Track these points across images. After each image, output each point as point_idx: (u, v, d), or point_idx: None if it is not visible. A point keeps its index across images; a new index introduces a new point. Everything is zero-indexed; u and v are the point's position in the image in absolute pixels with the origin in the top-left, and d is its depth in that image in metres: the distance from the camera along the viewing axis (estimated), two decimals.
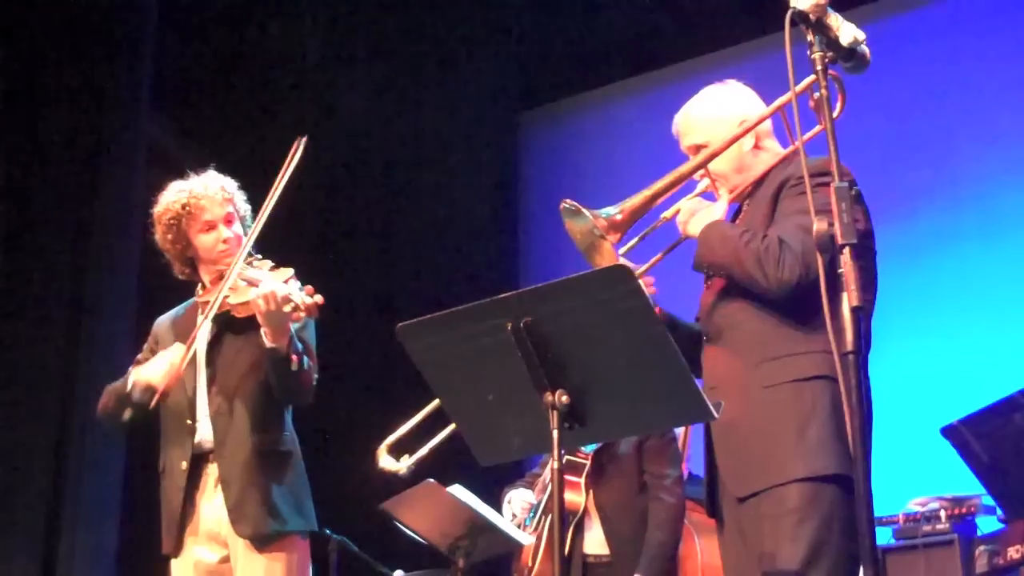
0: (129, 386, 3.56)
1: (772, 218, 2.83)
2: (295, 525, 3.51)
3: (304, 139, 3.56)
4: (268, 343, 3.39)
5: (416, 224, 7.67)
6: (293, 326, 3.46)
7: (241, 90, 7.12)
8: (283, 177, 3.55)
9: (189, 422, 3.56)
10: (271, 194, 3.55)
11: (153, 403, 3.51)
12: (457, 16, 7.63)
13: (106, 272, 6.13)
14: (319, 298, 3.36)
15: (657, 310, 2.96)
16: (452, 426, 2.88)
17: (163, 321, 3.82)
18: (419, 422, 2.98)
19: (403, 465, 2.95)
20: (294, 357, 3.42)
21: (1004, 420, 4.58)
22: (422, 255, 7.62)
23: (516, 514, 4.66)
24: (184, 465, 3.54)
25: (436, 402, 2.91)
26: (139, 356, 3.79)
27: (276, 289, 3.32)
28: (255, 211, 3.67)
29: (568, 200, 2.81)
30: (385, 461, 2.97)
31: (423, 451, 2.95)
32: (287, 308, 3.31)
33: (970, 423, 4.68)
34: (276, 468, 3.53)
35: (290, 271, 3.50)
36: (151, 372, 3.53)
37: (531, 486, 4.77)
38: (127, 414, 3.59)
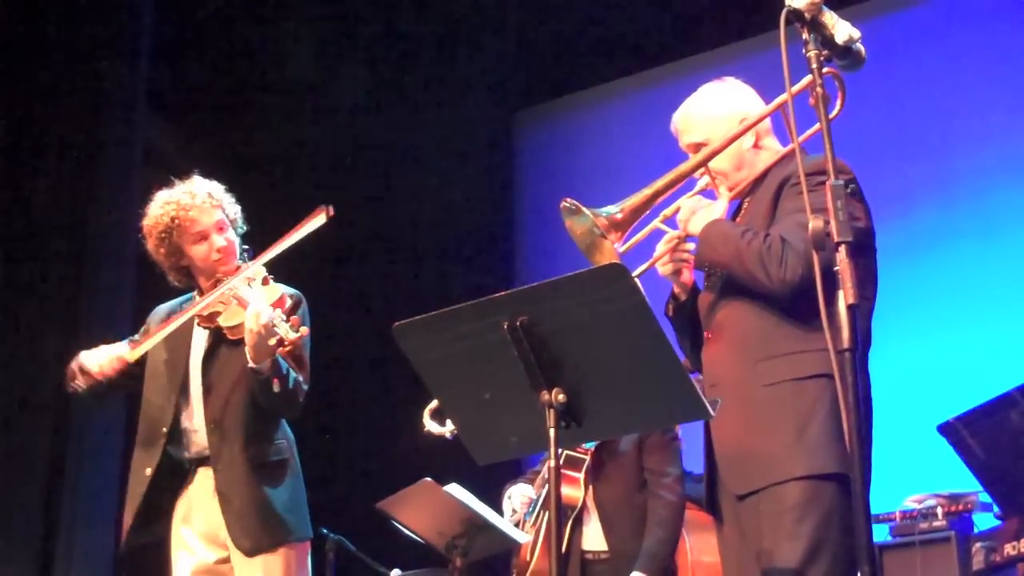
0: (76, 360, 3.61)
1: (773, 216, 2.83)
2: (292, 534, 3.52)
3: (330, 209, 3.50)
4: (250, 363, 3.39)
5: (412, 223, 7.67)
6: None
7: (237, 92, 7.12)
8: (296, 235, 3.51)
9: (164, 430, 3.56)
10: (280, 243, 3.51)
11: (83, 387, 3.57)
12: (453, 16, 7.63)
13: (103, 274, 6.13)
14: (304, 331, 3.36)
15: (689, 280, 2.97)
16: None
17: (159, 312, 3.81)
18: None
19: (447, 429, 2.98)
20: (276, 380, 3.40)
21: (1000, 417, 4.59)
22: (418, 254, 7.62)
23: (516, 509, 4.67)
24: (148, 472, 3.56)
25: None
26: (134, 337, 3.79)
27: (262, 318, 3.31)
28: (263, 240, 3.64)
29: (568, 199, 2.81)
30: (431, 424, 2.99)
31: None
32: (272, 341, 3.31)
33: (966, 420, 4.68)
34: (272, 479, 3.53)
35: (279, 290, 3.49)
36: (95, 358, 3.57)
37: (531, 482, 4.77)
38: (68, 387, 3.64)
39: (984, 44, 6.35)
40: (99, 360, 3.55)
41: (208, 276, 3.64)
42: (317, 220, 3.51)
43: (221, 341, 3.59)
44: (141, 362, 3.68)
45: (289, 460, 3.61)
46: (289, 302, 3.50)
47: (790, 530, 2.66)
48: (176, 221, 3.59)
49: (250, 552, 3.46)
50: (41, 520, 5.79)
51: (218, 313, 3.52)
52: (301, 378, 3.53)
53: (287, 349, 3.35)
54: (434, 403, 2.99)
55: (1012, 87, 6.20)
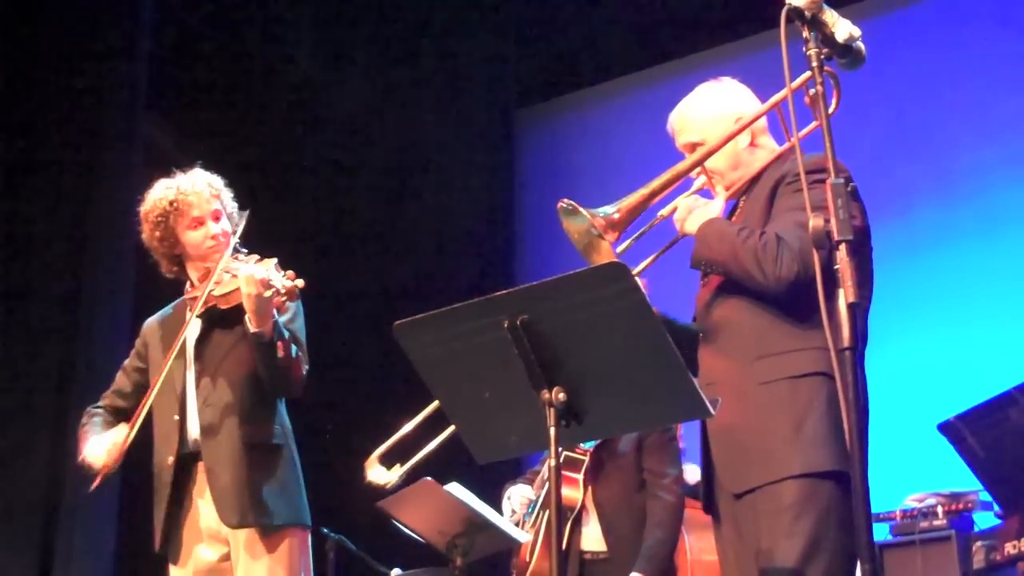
0: (81, 456, 3.62)
1: (769, 215, 2.84)
2: (285, 519, 3.51)
3: (247, 212, 3.62)
4: (252, 328, 3.39)
5: (413, 222, 7.67)
6: (282, 318, 3.47)
7: (238, 89, 7.12)
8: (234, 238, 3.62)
9: (176, 418, 3.57)
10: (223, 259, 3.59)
11: (95, 485, 3.57)
12: (453, 15, 7.63)
13: (103, 271, 6.13)
14: (300, 282, 3.37)
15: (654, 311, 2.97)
16: (439, 438, 2.87)
17: (151, 322, 3.83)
18: (405, 435, 2.95)
19: (393, 476, 2.93)
20: (280, 343, 3.42)
21: (1001, 416, 4.59)
22: (419, 253, 7.62)
23: (515, 510, 4.66)
24: (170, 460, 3.55)
25: (421, 415, 2.90)
26: (125, 363, 3.81)
27: (256, 273, 3.33)
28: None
29: (565, 199, 2.81)
30: (374, 474, 2.94)
31: (413, 462, 2.93)
32: (268, 293, 3.31)
33: (967, 419, 4.68)
34: (265, 461, 3.52)
35: (273, 260, 3.49)
36: (96, 454, 3.56)
37: (531, 482, 4.77)
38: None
39: (984, 44, 6.36)
40: (99, 456, 3.56)
41: (200, 265, 3.66)
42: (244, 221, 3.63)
43: (214, 325, 3.60)
44: (145, 383, 3.69)
45: (284, 447, 3.60)
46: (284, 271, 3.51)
47: (788, 528, 2.65)
48: (174, 205, 3.61)
49: (236, 527, 3.45)
50: (42, 519, 5.79)
51: (211, 292, 3.54)
52: (301, 354, 3.55)
53: (284, 299, 3.35)
54: (382, 448, 2.95)
55: (1012, 87, 6.20)
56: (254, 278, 3.32)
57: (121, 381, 3.81)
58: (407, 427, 2.95)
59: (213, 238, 3.63)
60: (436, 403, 2.87)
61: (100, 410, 3.79)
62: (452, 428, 2.83)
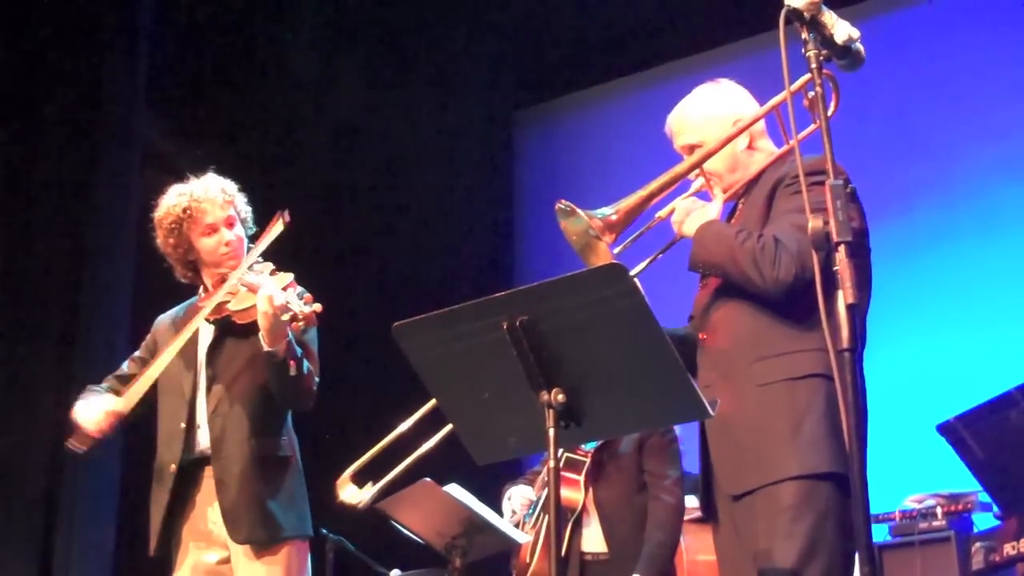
0: (72, 412, 3.57)
1: (767, 217, 2.83)
2: (290, 532, 3.52)
3: (286, 214, 3.52)
4: (266, 347, 3.39)
5: (411, 224, 7.67)
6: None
7: (236, 91, 7.12)
8: (260, 245, 3.54)
9: (183, 425, 3.56)
10: (250, 255, 3.56)
11: (85, 450, 3.55)
12: (451, 16, 7.63)
13: (102, 273, 6.13)
14: (317, 307, 3.36)
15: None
16: (414, 455, 2.85)
17: (163, 320, 3.82)
18: (378, 452, 2.94)
19: (365, 496, 2.93)
20: (292, 362, 3.41)
21: (1000, 417, 4.58)
22: (417, 254, 7.61)
23: (515, 510, 4.66)
24: (173, 468, 3.55)
25: (395, 432, 2.90)
26: (136, 354, 3.80)
27: (275, 296, 3.31)
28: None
29: (563, 201, 2.81)
30: (346, 494, 2.93)
31: (384, 481, 2.93)
32: (285, 317, 3.31)
33: (966, 420, 4.68)
34: (273, 474, 3.53)
35: (290, 276, 3.49)
36: (86, 419, 3.52)
37: (531, 483, 4.77)
38: (68, 445, 3.61)
39: (984, 44, 6.36)
40: (95, 419, 3.52)
41: (214, 271, 3.65)
42: (276, 228, 3.53)
43: (227, 333, 3.59)
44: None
45: (291, 458, 3.61)
46: (299, 287, 3.51)
47: (786, 530, 2.65)
48: (188, 212, 3.61)
49: (244, 543, 3.46)
50: (41, 519, 5.79)
51: (226, 303, 3.53)
52: (312, 368, 3.54)
53: (301, 324, 3.34)
54: (354, 467, 2.95)
55: (1012, 87, 6.20)
56: (273, 301, 3.29)
57: (126, 367, 3.79)
58: (380, 445, 2.93)
59: (227, 244, 3.63)
60: (409, 421, 2.88)
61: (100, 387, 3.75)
62: (427, 445, 2.84)
